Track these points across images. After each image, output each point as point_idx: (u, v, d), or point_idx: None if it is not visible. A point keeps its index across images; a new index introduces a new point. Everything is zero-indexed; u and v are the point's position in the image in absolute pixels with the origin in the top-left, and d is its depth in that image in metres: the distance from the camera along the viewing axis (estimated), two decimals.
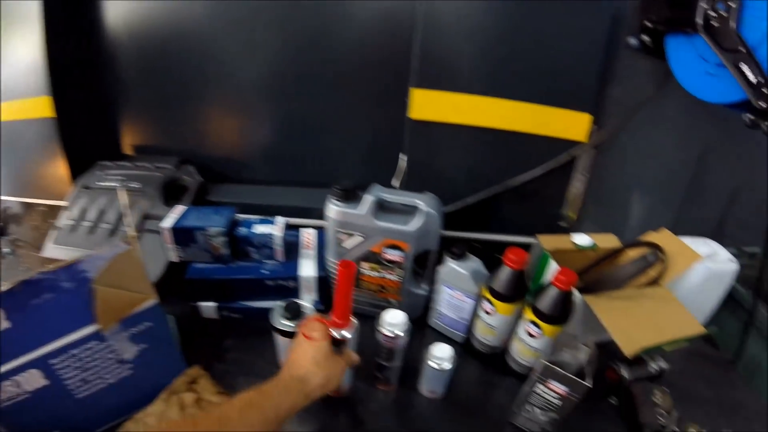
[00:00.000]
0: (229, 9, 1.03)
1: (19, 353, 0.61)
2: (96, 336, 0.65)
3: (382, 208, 0.86)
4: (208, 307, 0.95)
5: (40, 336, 0.62)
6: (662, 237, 0.96)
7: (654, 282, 0.91)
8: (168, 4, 1.05)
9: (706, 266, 0.91)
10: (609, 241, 0.99)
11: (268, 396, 0.58)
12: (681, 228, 1.04)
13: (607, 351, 0.79)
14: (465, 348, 0.94)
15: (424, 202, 0.82)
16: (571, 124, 0.97)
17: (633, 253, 0.93)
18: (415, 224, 0.83)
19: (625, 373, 0.84)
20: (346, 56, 1.05)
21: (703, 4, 0.76)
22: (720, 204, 1.18)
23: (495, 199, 1.06)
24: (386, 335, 0.75)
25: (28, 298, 0.60)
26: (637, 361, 0.85)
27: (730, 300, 1.10)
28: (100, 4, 1.07)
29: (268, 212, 1.02)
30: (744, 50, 0.70)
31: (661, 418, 0.80)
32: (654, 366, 0.85)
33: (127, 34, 1.09)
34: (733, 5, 0.71)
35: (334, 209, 0.85)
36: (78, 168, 1.16)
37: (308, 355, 0.64)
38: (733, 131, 0.95)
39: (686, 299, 0.88)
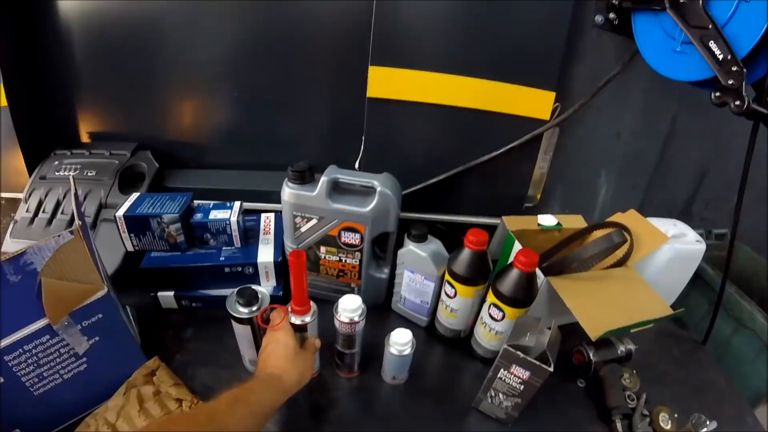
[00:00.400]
0: None
1: None
2: (47, 330, 0.63)
3: (339, 189, 0.84)
4: (166, 296, 0.93)
5: None
6: (630, 218, 0.96)
7: (621, 263, 0.90)
8: None
9: (673, 247, 0.91)
10: (576, 222, 0.99)
11: (251, 392, 0.59)
12: (650, 209, 1.05)
13: (574, 333, 0.79)
14: (429, 332, 0.93)
15: (379, 182, 0.80)
16: (534, 103, 0.95)
17: (599, 234, 0.93)
18: (370, 205, 0.81)
19: (592, 355, 0.83)
20: (307, 35, 1.02)
21: None
22: (689, 185, 1.19)
23: (458, 179, 1.04)
24: (343, 321, 0.73)
25: None
26: (605, 343, 0.85)
27: (699, 281, 1.11)
28: None
29: (227, 197, 1.00)
30: (712, 27, 0.70)
31: (629, 401, 0.80)
32: (622, 348, 0.85)
33: (79, 19, 1.05)
34: None
35: (288, 191, 0.82)
36: (35, 158, 1.12)
37: (279, 354, 0.66)
38: (701, 110, 0.95)
39: (654, 280, 0.88)
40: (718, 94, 0.70)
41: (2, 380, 0.62)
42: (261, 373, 0.64)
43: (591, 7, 0.91)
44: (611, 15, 0.90)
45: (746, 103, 0.67)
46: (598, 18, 0.92)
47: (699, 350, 0.98)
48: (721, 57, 0.69)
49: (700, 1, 0.71)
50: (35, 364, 0.64)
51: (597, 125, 1.04)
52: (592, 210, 1.15)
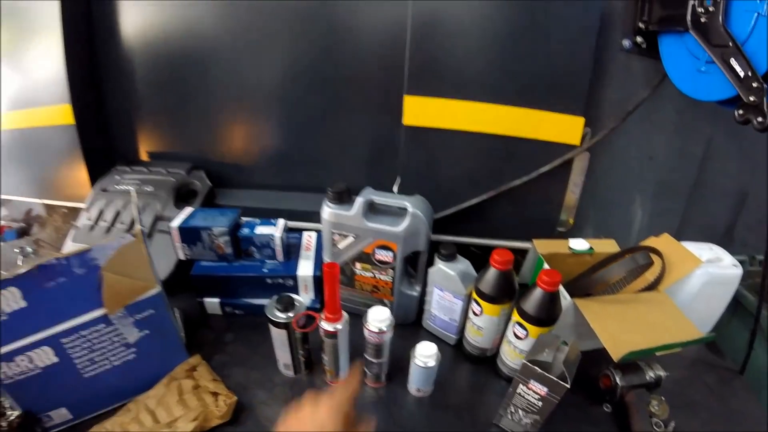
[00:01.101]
0: (239, 20, 1.08)
1: (33, 331, 0.67)
2: (103, 319, 0.71)
3: (374, 210, 0.89)
4: (212, 302, 1.00)
5: (52, 316, 0.68)
6: (663, 242, 0.94)
7: (652, 287, 0.89)
8: (181, 14, 1.10)
9: (707, 271, 0.89)
10: (608, 246, 0.99)
11: None
12: (688, 233, 1.02)
13: (604, 358, 0.78)
14: (457, 350, 0.95)
15: (411, 204, 0.85)
16: (564, 128, 0.97)
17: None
18: (402, 225, 0.85)
19: (619, 380, 0.82)
20: (350, 63, 1.08)
21: (691, 1, 0.77)
22: (728, 208, 1.15)
23: (491, 203, 1.06)
24: (372, 331, 0.77)
25: (42, 280, 0.65)
26: (633, 368, 0.83)
27: (740, 308, 1.07)
28: (115, 14, 1.13)
29: (272, 215, 1.06)
30: (732, 45, 0.71)
31: (656, 428, 0.78)
32: (651, 374, 0.83)
33: (142, 45, 1.15)
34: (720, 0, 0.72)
35: (327, 210, 0.88)
36: (97, 172, 1.23)
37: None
38: (737, 130, 0.94)
39: (687, 305, 0.87)
40: (741, 111, 0.71)
41: (58, 360, 0.70)
42: None
43: (618, 31, 0.93)
44: (638, 39, 0.92)
45: None
46: (626, 42, 0.93)
47: (735, 379, 0.94)
48: (742, 74, 0.70)
49: (720, 19, 0.72)
50: (89, 349, 0.72)
51: (629, 149, 1.04)
52: (627, 235, 1.14)
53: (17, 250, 1.28)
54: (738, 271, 0.91)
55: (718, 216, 1.17)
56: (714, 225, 1.18)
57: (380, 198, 0.87)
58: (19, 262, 1.29)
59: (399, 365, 0.86)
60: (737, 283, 0.93)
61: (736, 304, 0.98)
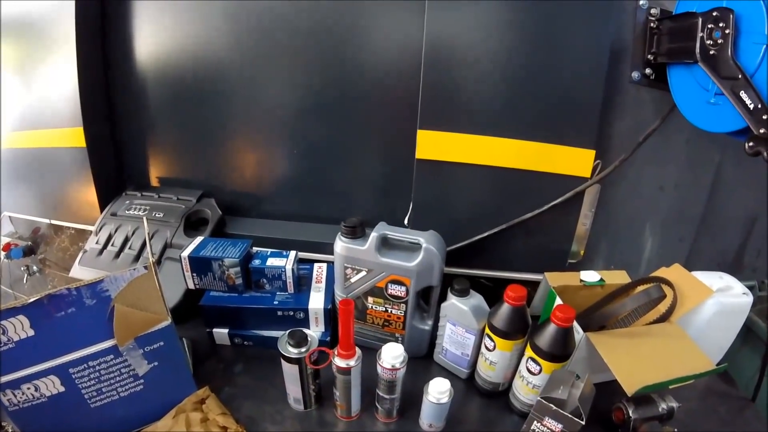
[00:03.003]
0: (253, 48, 1.09)
1: (40, 360, 0.67)
2: (112, 350, 0.71)
3: (387, 244, 0.89)
4: (221, 333, 1.00)
5: (61, 346, 0.68)
6: (674, 272, 0.94)
7: (664, 318, 0.89)
8: (195, 41, 1.12)
9: (718, 300, 0.89)
10: (619, 277, 0.98)
11: None
12: (698, 262, 1.02)
13: (615, 391, 0.78)
14: (468, 385, 0.94)
15: (425, 239, 0.85)
16: (574, 161, 0.97)
17: (641, 289, 0.92)
18: (415, 260, 0.85)
19: (631, 412, 0.82)
20: (365, 96, 1.09)
21: (700, 33, 0.77)
22: (737, 234, 1.16)
23: (502, 236, 1.06)
24: (385, 368, 0.77)
25: (52, 310, 0.65)
26: (645, 400, 0.83)
27: (751, 335, 1.07)
28: (129, 39, 1.15)
29: (283, 246, 1.06)
30: (742, 77, 0.71)
31: None
32: (663, 405, 0.83)
33: (155, 70, 1.17)
34: (729, 32, 0.72)
35: (340, 245, 0.88)
36: (106, 195, 1.24)
37: None
38: (745, 158, 0.94)
39: (699, 335, 0.86)
40: (751, 143, 0.70)
41: (65, 389, 0.70)
42: None
43: (627, 63, 0.93)
44: (647, 70, 0.92)
45: None
46: (635, 74, 0.94)
47: (748, 408, 0.94)
48: (752, 106, 0.70)
49: (729, 52, 0.72)
50: (97, 380, 0.72)
51: (639, 179, 1.05)
52: (637, 265, 1.14)
53: (23, 268, 1.29)
54: (748, 299, 0.91)
55: (727, 243, 1.17)
56: (723, 252, 1.18)
57: (394, 233, 0.87)
58: (25, 280, 1.30)
59: (410, 400, 0.85)
60: (748, 311, 0.92)
61: (746, 330, 0.98)
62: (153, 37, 1.14)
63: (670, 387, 0.77)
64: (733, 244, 1.18)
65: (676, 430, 0.82)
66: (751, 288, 0.93)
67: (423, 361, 0.99)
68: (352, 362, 0.77)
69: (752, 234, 1.16)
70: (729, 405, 0.94)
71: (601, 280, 0.96)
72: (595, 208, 1.06)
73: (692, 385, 0.80)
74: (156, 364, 0.76)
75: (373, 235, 0.86)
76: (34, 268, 1.29)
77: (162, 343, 0.75)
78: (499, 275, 1.12)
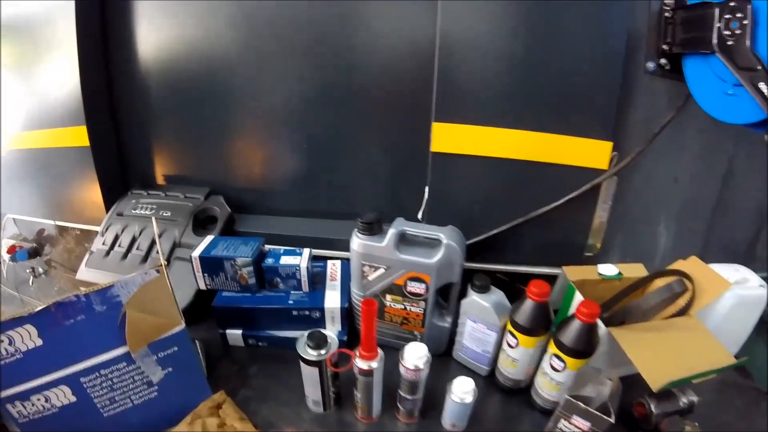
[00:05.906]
0: (258, 41, 1.07)
1: (49, 370, 0.65)
2: (125, 357, 0.69)
3: (405, 241, 0.87)
4: (234, 334, 0.98)
5: (71, 354, 0.66)
6: (691, 265, 0.94)
7: (683, 312, 0.89)
8: (199, 37, 1.10)
9: (735, 293, 0.89)
10: (636, 270, 0.98)
11: None
12: (712, 253, 1.02)
13: (635, 385, 0.78)
14: (489, 382, 0.94)
15: (445, 235, 0.83)
16: (591, 153, 0.96)
17: (660, 283, 0.92)
18: (436, 257, 0.84)
19: (653, 407, 0.82)
20: (374, 89, 1.08)
21: (717, 23, 0.75)
22: (750, 225, 1.15)
23: (518, 230, 1.05)
24: (408, 368, 0.76)
25: (61, 318, 0.63)
26: (667, 395, 0.83)
27: (764, 325, 1.07)
28: (132, 36, 1.13)
29: (294, 243, 1.05)
30: (761, 68, 0.69)
31: None
32: (684, 400, 0.83)
33: (158, 66, 1.15)
34: (747, 22, 0.70)
35: (357, 242, 0.87)
36: (111, 195, 1.22)
37: None
38: (759, 147, 0.94)
39: (717, 328, 0.86)
40: None
41: (76, 399, 0.68)
42: None
43: (641, 53, 0.92)
44: (662, 61, 0.91)
45: None
46: (650, 64, 0.93)
47: (763, 400, 0.94)
48: None
49: (748, 42, 0.71)
50: (109, 388, 0.70)
51: (654, 171, 1.04)
52: (652, 257, 1.13)
53: (29, 270, 1.27)
54: (764, 291, 0.91)
55: (740, 234, 1.17)
56: (737, 243, 1.18)
57: (412, 229, 0.86)
58: (31, 282, 1.28)
59: (431, 399, 0.84)
60: (764, 303, 0.93)
61: (761, 323, 0.98)
62: (155, 34, 1.12)
63: (694, 382, 0.77)
64: (746, 236, 1.17)
65: (697, 424, 0.82)
66: (765, 279, 0.92)
67: (442, 358, 0.98)
68: (374, 364, 0.76)
69: (765, 224, 1.16)
70: (746, 397, 0.95)
71: (619, 273, 0.95)
72: (611, 201, 1.05)
73: (709, 378, 0.79)
74: (170, 369, 0.74)
75: (392, 232, 0.84)
76: (40, 269, 1.27)
77: (176, 348, 0.73)
78: (515, 269, 1.11)
